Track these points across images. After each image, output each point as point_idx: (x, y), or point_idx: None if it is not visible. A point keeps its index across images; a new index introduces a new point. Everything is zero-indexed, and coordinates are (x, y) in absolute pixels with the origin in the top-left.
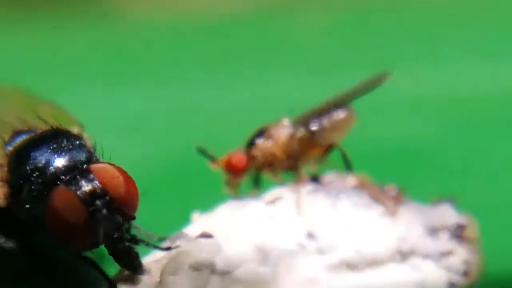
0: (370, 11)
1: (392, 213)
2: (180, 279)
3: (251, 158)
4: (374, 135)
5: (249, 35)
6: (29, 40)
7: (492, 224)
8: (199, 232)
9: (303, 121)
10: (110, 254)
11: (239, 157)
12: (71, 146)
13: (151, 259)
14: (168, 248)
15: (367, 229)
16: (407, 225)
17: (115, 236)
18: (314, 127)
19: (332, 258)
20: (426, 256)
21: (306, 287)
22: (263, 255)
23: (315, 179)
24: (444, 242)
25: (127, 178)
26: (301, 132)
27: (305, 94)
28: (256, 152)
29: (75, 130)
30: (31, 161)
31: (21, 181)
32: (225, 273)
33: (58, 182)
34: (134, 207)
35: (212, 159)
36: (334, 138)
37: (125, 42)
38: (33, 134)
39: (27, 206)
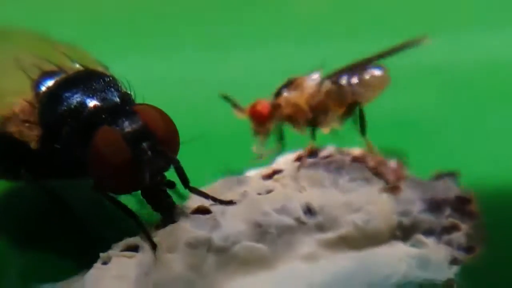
0: None
1: (393, 187)
2: (176, 257)
3: (275, 106)
4: (372, 107)
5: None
6: None
7: (495, 198)
8: (194, 207)
9: (333, 76)
10: (146, 196)
11: (264, 105)
12: (109, 87)
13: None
14: (223, 201)
15: (368, 204)
16: (408, 200)
17: (158, 178)
18: (342, 81)
19: (331, 234)
20: (428, 231)
21: (305, 263)
22: (261, 231)
23: (314, 152)
24: (446, 217)
25: (170, 122)
26: (327, 85)
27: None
28: (281, 101)
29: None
30: (70, 102)
31: (58, 122)
32: (222, 250)
33: (102, 122)
34: (176, 151)
35: (237, 106)
36: (363, 96)
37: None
38: (66, 75)
39: (65, 147)
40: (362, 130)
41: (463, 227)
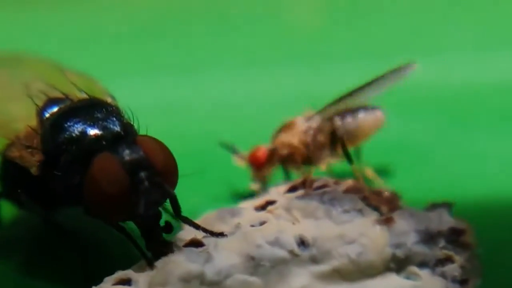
0: (366, 5)
1: (387, 219)
2: None
3: (272, 151)
4: None
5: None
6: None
7: (490, 228)
8: (188, 240)
9: (326, 115)
10: (140, 228)
11: (261, 151)
12: (111, 116)
13: (139, 268)
14: (214, 232)
15: (361, 236)
16: (402, 231)
17: (152, 211)
18: (337, 122)
19: (325, 266)
20: (422, 263)
21: None
22: (254, 263)
23: (307, 183)
24: (440, 248)
25: (170, 155)
26: (322, 125)
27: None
28: (276, 144)
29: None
30: (71, 129)
31: (59, 149)
32: (215, 284)
33: (101, 150)
34: (174, 184)
35: (237, 153)
36: (357, 137)
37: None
38: (70, 103)
39: (64, 174)
40: (349, 161)
41: (457, 259)
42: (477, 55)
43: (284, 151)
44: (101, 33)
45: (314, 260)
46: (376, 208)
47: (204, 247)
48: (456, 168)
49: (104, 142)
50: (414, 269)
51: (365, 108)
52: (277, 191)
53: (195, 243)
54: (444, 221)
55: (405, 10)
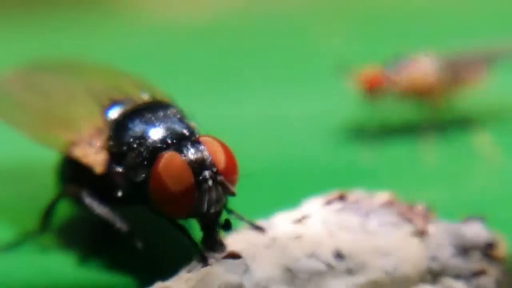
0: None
1: (422, 232)
2: None
3: (390, 79)
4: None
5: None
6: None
7: None
8: (226, 252)
9: (447, 60)
10: (200, 225)
11: (375, 73)
12: (175, 117)
13: (179, 280)
14: (261, 228)
15: (397, 248)
16: (437, 244)
17: (214, 209)
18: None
19: (361, 278)
20: (457, 276)
21: None
22: (291, 275)
23: (342, 197)
24: (475, 261)
25: (232, 155)
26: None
27: None
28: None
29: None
30: (138, 128)
31: (125, 148)
32: None
33: (167, 148)
34: (234, 183)
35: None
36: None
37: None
38: (134, 104)
39: (129, 172)
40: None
41: (492, 272)
42: None
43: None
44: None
45: (350, 272)
46: (411, 222)
47: (242, 259)
48: (489, 182)
49: (169, 141)
50: (449, 281)
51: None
52: (312, 204)
53: (233, 255)
54: (479, 234)
55: (428, 30)
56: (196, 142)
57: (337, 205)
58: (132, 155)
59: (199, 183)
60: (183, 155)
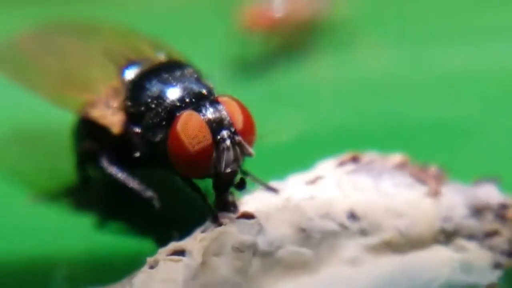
0: None
1: (435, 193)
2: (222, 260)
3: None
4: (414, 112)
5: None
6: None
7: None
8: (240, 212)
9: None
10: (215, 184)
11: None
12: (192, 77)
13: (193, 239)
14: (275, 190)
15: (410, 209)
16: (451, 205)
17: (230, 169)
18: None
19: (374, 239)
20: (470, 236)
21: (349, 267)
22: (305, 235)
23: (355, 159)
24: (488, 222)
25: (249, 115)
26: None
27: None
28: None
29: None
30: (155, 88)
31: (142, 108)
32: (267, 254)
33: (185, 108)
34: (251, 143)
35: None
36: None
37: None
38: (151, 64)
39: (147, 132)
40: None
41: (505, 232)
42: None
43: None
44: None
45: (363, 233)
46: (424, 183)
47: (256, 219)
48: (503, 145)
49: (187, 101)
50: (462, 241)
51: None
52: (326, 166)
53: (247, 216)
54: (492, 195)
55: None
56: (214, 102)
57: (350, 167)
58: (150, 115)
59: (217, 142)
60: (201, 114)
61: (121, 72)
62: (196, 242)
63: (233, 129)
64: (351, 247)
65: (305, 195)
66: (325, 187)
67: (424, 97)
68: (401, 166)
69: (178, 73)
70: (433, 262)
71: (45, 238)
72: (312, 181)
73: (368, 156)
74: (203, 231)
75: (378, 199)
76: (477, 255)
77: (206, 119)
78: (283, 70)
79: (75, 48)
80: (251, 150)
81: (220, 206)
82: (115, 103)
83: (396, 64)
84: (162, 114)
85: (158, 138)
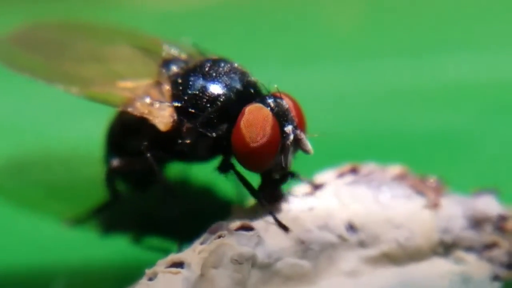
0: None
1: (434, 204)
2: (221, 272)
3: None
4: (413, 122)
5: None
6: None
7: None
8: (239, 224)
9: None
10: (270, 179)
11: None
12: (244, 72)
13: (192, 251)
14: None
15: (409, 221)
16: (450, 217)
17: (290, 164)
18: None
19: (373, 250)
20: (469, 248)
21: (347, 279)
22: (304, 247)
23: (354, 170)
24: (487, 234)
25: (302, 111)
26: None
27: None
28: None
29: None
30: (213, 83)
31: (199, 103)
32: (265, 266)
33: (250, 101)
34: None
35: None
36: None
37: None
38: (201, 60)
39: (205, 127)
40: None
41: (504, 244)
42: None
43: None
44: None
45: (362, 244)
46: (423, 194)
47: (255, 231)
48: (502, 157)
49: (250, 95)
50: (461, 253)
51: None
52: (325, 177)
53: (246, 227)
54: (491, 207)
55: (440, 8)
56: (276, 97)
57: (350, 178)
58: (210, 110)
59: (283, 137)
60: (269, 108)
61: (164, 68)
62: (195, 254)
63: (295, 124)
64: (350, 259)
65: (304, 207)
66: (324, 199)
67: (423, 108)
68: (400, 178)
69: (229, 68)
70: (432, 274)
71: (44, 248)
72: (311, 192)
73: (367, 167)
74: (202, 243)
75: (377, 210)
76: (476, 267)
77: (274, 113)
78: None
79: (105, 47)
80: (310, 146)
81: (271, 200)
82: (160, 99)
83: (395, 75)
84: (224, 108)
85: (218, 132)
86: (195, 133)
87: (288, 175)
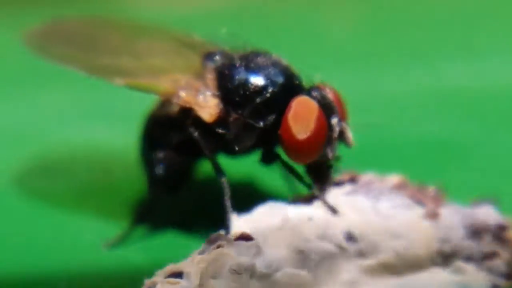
0: (396, 5)
1: (433, 214)
2: (220, 283)
3: None
4: (412, 130)
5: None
6: None
7: None
8: (238, 234)
9: None
10: (312, 168)
11: None
12: (287, 65)
13: (190, 261)
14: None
15: (408, 230)
16: (448, 226)
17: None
18: None
19: (372, 260)
20: (468, 258)
21: None
22: (303, 257)
23: (353, 179)
24: (486, 244)
25: (344, 104)
26: None
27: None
28: None
29: None
30: (260, 74)
31: (247, 93)
32: (264, 276)
33: (297, 93)
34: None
35: None
36: None
37: None
38: (246, 52)
39: (252, 118)
40: None
41: (503, 254)
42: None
43: None
44: None
45: (361, 254)
46: (422, 204)
47: (254, 241)
48: (501, 166)
49: (296, 87)
50: (460, 263)
51: None
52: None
53: (245, 237)
54: (490, 216)
55: (440, 14)
56: (321, 89)
57: (348, 187)
58: (258, 100)
59: (330, 129)
60: (315, 100)
61: (208, 61)
62: (193, 264)
63: (339, 116)
64: (349, 268)
65: (303, 216)
66: (323, 208)
67: (421, 116)
68: (399, 187)
69: (274, 61)
70: (431, 284)
71: (44, 255)
72: (310, 202)
73: (366, 176)
74: (200, 253)
75: (376, 220)
76: (475, 277)
77: (321, 106)
78: None
79: (138, 42)
80: (352, 138)
81: (321, 188)
82: (205, 90)
83: (393, 82)
84: (272, 99)
85: (265, 123)
86: (241, 123)
87: (334, 165)
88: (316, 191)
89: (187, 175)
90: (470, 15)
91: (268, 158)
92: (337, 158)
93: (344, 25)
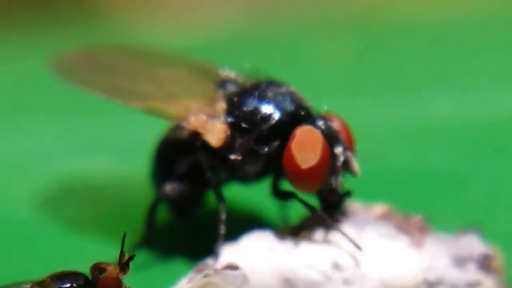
0: (387, 37)
1: (418, 243)
2: None
3: None
4: (398, 160)
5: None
6: None
7: None
8: (224, 263)
9: None
10: (322, 196)
11: None
12: (295, 94)
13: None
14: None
15: (393, 259)
16: (434, 255)
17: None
18: None
19: None
20: (453, 286)
21: None
22: (289, 286)
23: None
24: (471, 273)
25: (351, 133)
26: None
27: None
28: None
29: None
30: (268, 102)
31: (253, 120)
32: None
33: (301, 122)
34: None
35: None
36: None
37: None
38: (255, 81)
39: (257, 144)
40: None
41: (487, 283)
42: (507, 90)
43: None
44: None
45: (347, 283)
46: (407, 233)
47: (240, 270)
48: (487, 196)
49: (301, 116)
50: None
51: None
52: (311, 217)
53: (231, 267)
54: (475, 245)
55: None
56: (325, 119)
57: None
58: (263, 126)
59: (334, 158)
60: (319, 130)
61: (220, 88)
62: None
63: (344, 146)
64: None
65: (290, 245)
66: (309, 237)
67: (408, 146)
68: (384, 217)
69: (283, 90)
70: None
71: (42, 264)
72: (296, 231)
73: (352, 207)
74: (188, 282)
75: (362, 249)
76: None
77: (324, 135)
78: None
79: (158, 69)
80: (358, 168)
81: (333, 218)
82: (214, 116)
83: (380, 113)
84: (277, 126)
85: (269, 149)
86: (247, 149)
87: (344, 194)
88: (330, 223)
89: (195, 202)
90: (459, 48)
91: (280, 193)
92: (342, 187)
93: (335, 56)
